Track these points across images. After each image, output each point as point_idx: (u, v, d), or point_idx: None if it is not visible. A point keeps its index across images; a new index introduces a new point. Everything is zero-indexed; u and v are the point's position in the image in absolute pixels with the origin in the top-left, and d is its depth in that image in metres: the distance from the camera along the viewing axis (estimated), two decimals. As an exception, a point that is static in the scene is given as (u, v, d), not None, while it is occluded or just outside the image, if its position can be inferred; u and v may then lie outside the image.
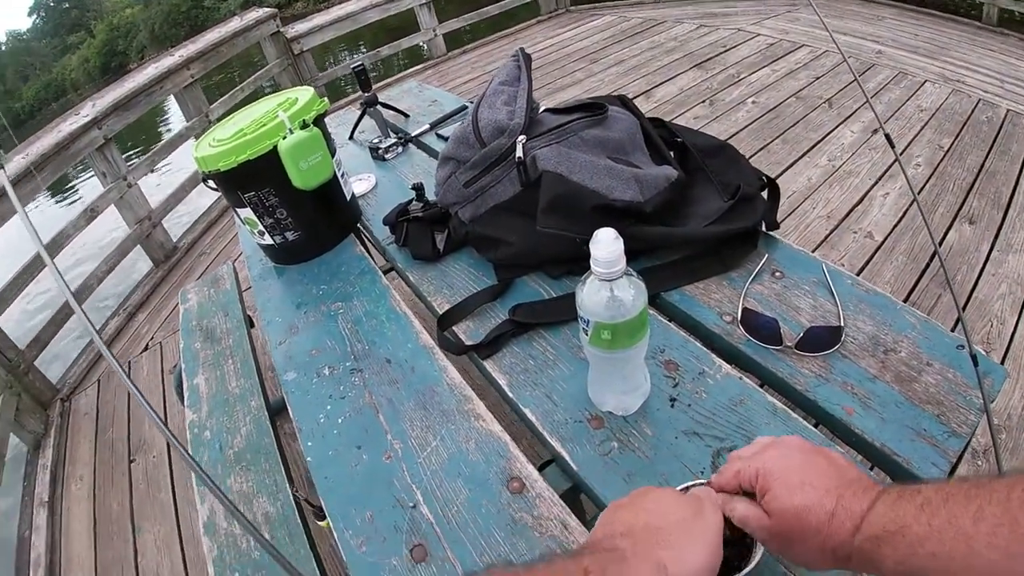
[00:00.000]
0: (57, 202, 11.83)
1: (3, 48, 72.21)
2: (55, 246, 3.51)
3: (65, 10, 65.60)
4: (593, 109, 1.27)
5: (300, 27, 5.67)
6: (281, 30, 5.47)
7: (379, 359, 1.18)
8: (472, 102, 2.13)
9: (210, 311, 2.09)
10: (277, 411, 2.26)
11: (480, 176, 1.24)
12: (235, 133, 1.42)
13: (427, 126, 2.08)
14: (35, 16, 67.80)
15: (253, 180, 1.41)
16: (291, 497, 1.37)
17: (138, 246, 4.06)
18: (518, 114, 1.21)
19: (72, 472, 2.86)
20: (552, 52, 5.52)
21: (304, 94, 1.52)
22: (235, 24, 5.31)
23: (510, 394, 1.02)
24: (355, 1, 6.05)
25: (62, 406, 3.27)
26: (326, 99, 1.53)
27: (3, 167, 0.98)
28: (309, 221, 1.51)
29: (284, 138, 1.35)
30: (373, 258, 1.53)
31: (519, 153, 1.17)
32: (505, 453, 0.94)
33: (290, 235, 1.50)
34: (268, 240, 1.51)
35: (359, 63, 2.12)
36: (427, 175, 1.74)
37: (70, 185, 12.10)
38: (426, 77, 5.81)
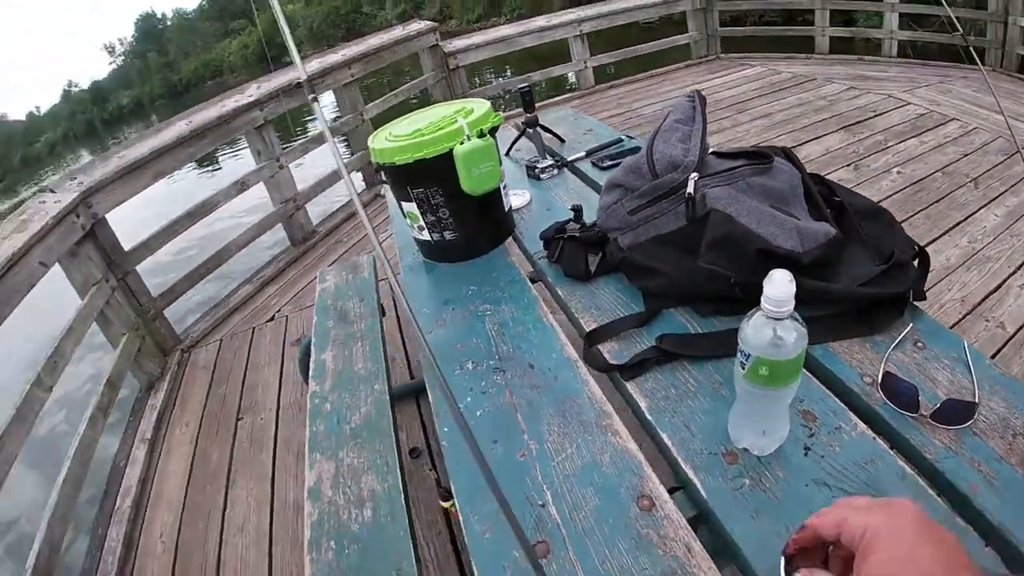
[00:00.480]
0: (198, 172, 12.68)
1: (169, 24, 78.18)
2: (207, 208, 3.80)
3: None
4: (759, 157, 1.30)
5: (458, 43, 5.92)
6: (439, 44, 5.72)
7: (522, 363, 1.23)
8: (625, 136, 2.20)
9: (346, 294, 2.22)
10: (398, 397, 2.38)
11: (647, 206, 1.28)
12: (413, 132, 1.52)
13: (583, 153, 2.14)
14: (202, 0, 72.73)
15: (424, 178, 1.50)
16: (398, 478, 1.44)
17: (279, 224, 4.35)
18: (692, 152, 1.26)
19: (179, 417, 3.06)
20: None
21: (480, 106, 1.61)
22: (398, 32, 5.60)
23: (649, 416, 1.04)
24: (512, 25, 6.29)
25: (181, 356, 3.51)
26: (501, 114, 1.62)
27: (316, 98, 1.07)
28: (468, 224, 1.59)
29: (461, 143, 1.44)
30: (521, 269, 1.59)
31: (690, 189, 1.21)
32: (638, 471, 0.96)
33: (448, 235, 1.59)
34: (426, 236, 1.60)
35: (526, 85, 2.22)
36: (580, 199, 1.80)
37: (213, 159, 12.96)
38: (573, 107, 5.94)
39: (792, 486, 0.89)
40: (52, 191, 3.21)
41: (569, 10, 6.53)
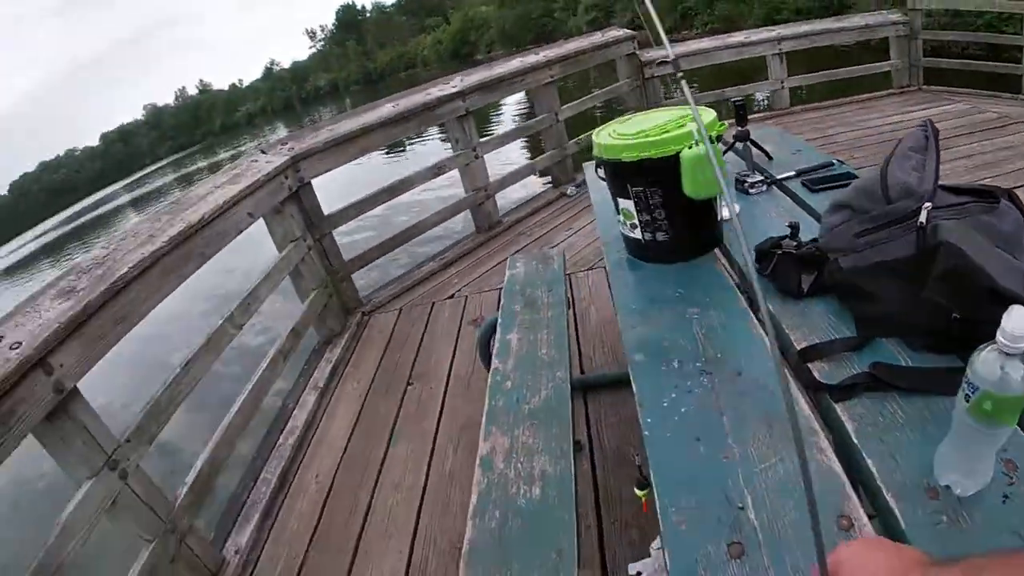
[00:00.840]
0: (387, 154, 13.44)
1: (368, 15, 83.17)
2: (404, 185, 4.07)
3: None
4: (986, 196, 1.24)
5: (655, 53, 5.89)
6: (637, 52, 5.74)
7: (730, 369, 1.23)
8: (834, 160, 2.14)
9: (535, 283, 2.29)
10: (579, 388, 2.43)
11: (875, 230, 1.25)
12: (638, 132, 1.55)
13: (793, 172, 2.10)
14: None
15: (645, 177, 1.54)
16: (570, 464, 1.48)
17: (467, 210, 4.58)
18: (927, 181, 1.22)
19: (352, 373, 3.27)
20: (900, 129, 5.15)
21: (706, 115, 1.61)
22: (597, 38, 5.68)
23: (855, 440, 1.02)
24: (711, 39, 6.20)
25: (361, 318, 3.76)
26: (725, 124, 1.62)
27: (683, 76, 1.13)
28: (682, 228, 1.60)
29: (689, 147, 1.46)
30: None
31: (923, 218, 1.17)
32: (840, 491, 0.94)
33: (660, 236, 1.61)
34: (637, 234, 1.64)
35: (741, 99, 2.20)
36: (789, 217, 1.76)
37: (401, 144, 13.68)
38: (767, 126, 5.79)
39: (989, 533, 0.85)
40: (264, 152, 3.53)
41: (769, 27, 6.35)
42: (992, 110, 5.30)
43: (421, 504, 2.30)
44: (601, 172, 1.64)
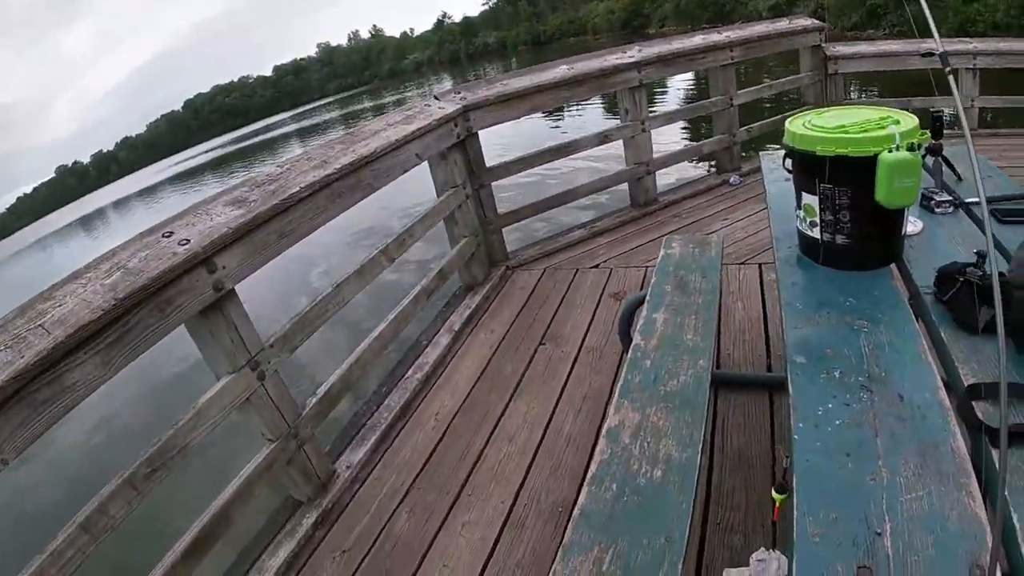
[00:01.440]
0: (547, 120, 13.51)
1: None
2: (570, 148, 4.15)
3: None
4: None
5: (843, 49, 5.56)
6: (823, 45, 5.43)
7: (892, 391, 1.18)
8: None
9: (689, 266, 2.25)
10: (720, 381, 2.40)
11: None
12: (837, 127, 1.48)
13: (982, 199, 1.93)
14: None
15: (836, 175, 1.47)
16: (697, 454, 1.45)
17: (626, 183, 4.54)
18: None
19: (487, 323, 3.36)
20: None
21: (908, 119, 1.52)
22: (783, 25, 5.42)
23: (1007, 492, 0.95)
24: (902, 42, 5.74)
25: (504, 272, 3.85)
26: (928, 134, 1.51)
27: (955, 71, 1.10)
28: (865, 235, 1.53)
29: (889, 151, 1.38)
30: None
31: None
32: (981, 540, 0.90)
33: (840, 238, 1.54)
34: (815, 233, 1.57)
35: (940, 110, 2.05)
36: (975, 245, 1.64)
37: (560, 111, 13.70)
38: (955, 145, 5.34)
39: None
40: (437, 98, 3.63)
41: (966, 39, 5.80)
42: None
43: (532, 461, 2.34)
44: (788, 163, 1.57)
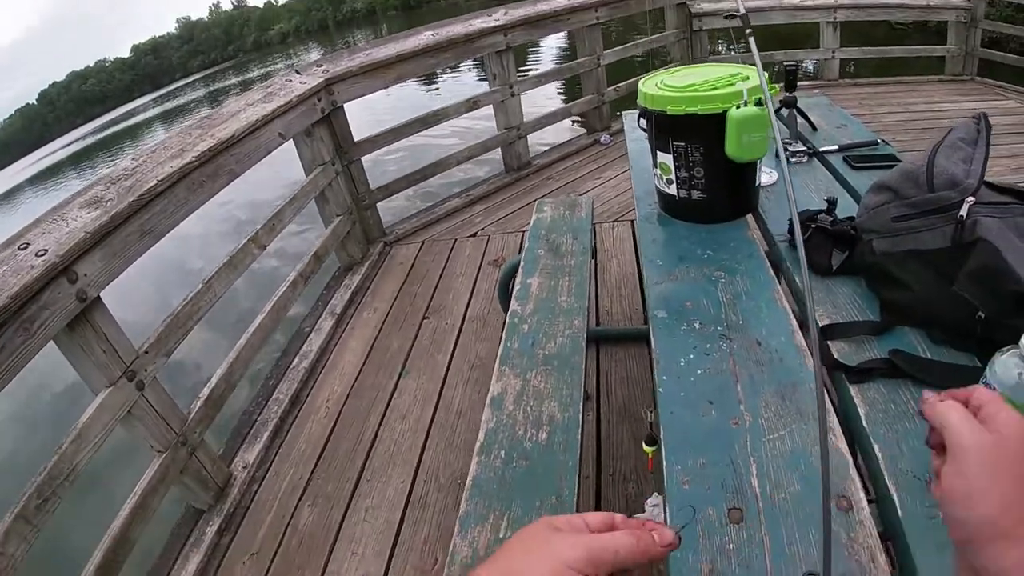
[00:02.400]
0: (423, 87, 13.27)
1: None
2: (438, 117, 4.05)
3: None
4: None
5: (705, 6, 5.74)
6: (687, 3, 5.58)
7: (750, 338, 1.23)
8: (879, 140, 2.07)
9: (560, 228, 2.27)
10: (592, 338, 2.43)
11: (914, 217, 1.22)
12: (686, 85, 1.51)
13: (836, 147, 2.04)
14: None
15: (688, 133, 1.50)
16: (578, 412, 1.48)
17: (499, 149, 4.52)
18: (973, 175, 1.19)
19: (369, 302, 3.29)
20: (947, 118, 5.03)
21: (756, 75, 1.56)
22: None
23: (864, 424, 1.02)
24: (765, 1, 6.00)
25: (383, 248, 3.77)
26: (778, 87, 1.57)
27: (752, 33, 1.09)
28: (719, 189, 1.57)
29: (737, 107, 1.42)
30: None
31: (963, 212, 1.14)
32: (844, 473, 0.94)
33: (695, 194, 1.58)
34: (672, 190, 1.61)
35: (793, 63, 2.13)
36: (827, 192, 1.73)
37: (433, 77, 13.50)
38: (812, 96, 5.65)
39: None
40: (298, 72, 3.48)
41: None
42: None
43: (427, 437, 2.34)
44: (643, 123, 1.60)
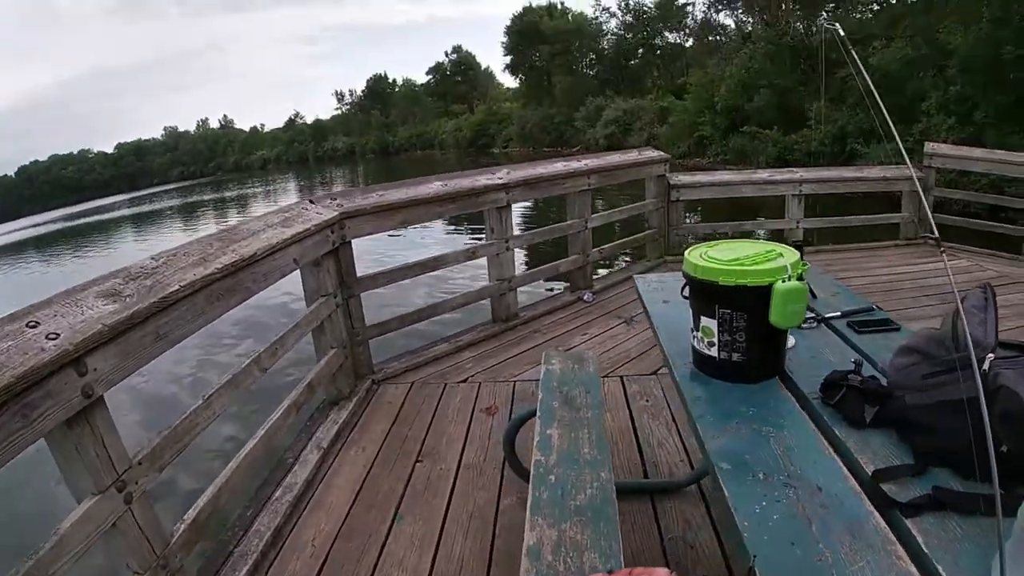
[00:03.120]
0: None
1: (397, 90, 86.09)
2: (437, 263, 4.17)
3: (457, 83, 77.57)
4: None
5: (684, 178, 6.23)
6: (667, 175, 6.02)
7: (810, 484, 1.31)
8: (874, 306, 2.25)
9: (572, 381, 2.34)
10: (622, 490, 2.42)
11: (943, 373, 1.41)
12: (733, 259, 1.66)
13: (839, 313, 2.20)
14: (431, 76, 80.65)
15: (735, 301, 1.63)
16: (620, 564, 1.48)
17: (488, 299, 4.67)
18: (990, 335, 1.45)
19: (357, 439, 3.23)
20: (906, 280, 5.41)
21: (789, 252, 1.72)
22: (634, 155, 6.05)
23: (926, 550, 1.12)
24: (737, 173, 6.56)
25: (371, 385, 3.75)
26: (808, 264, 1.71)
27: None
28: (758, 352, 1.69)
29: (783, 280, 1.57)
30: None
31: (986, 366, 1.34)
32: None
33: (736, 356, 1.68)
34: (712, 352, 1.71)
35: (800, 241, 2.31)
36: (841, 355, 1.88)
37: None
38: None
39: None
40: (313, 203, 3.60)
41: (793, 168, 6.71)
42: (992, 268, 5.59)
43: (427, 586, 2.24)
44: (686, 291, 1.75)
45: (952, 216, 6.69)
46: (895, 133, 1.72)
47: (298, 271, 3.26)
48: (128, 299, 1.98)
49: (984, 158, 6.86)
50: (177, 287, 2.15)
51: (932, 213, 6.44)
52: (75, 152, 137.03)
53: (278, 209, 3.38)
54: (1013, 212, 7.21)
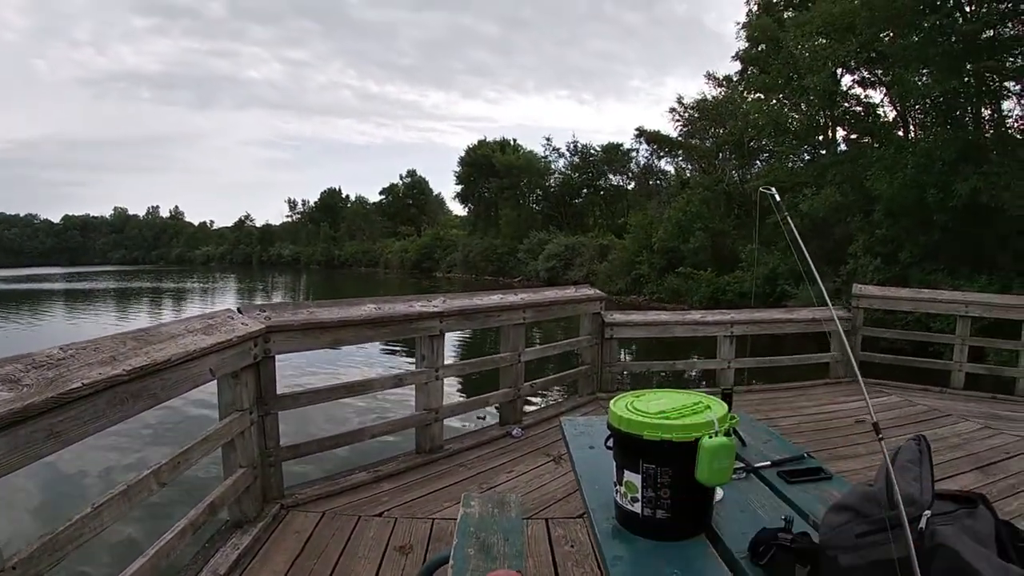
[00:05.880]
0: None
1: (349, 205, 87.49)
2: (363, 387, 4.03)
3: (408, 205, 79.77)
4: (966, 502, 1.45)
5: (618, 317, 6.31)
6: (602, 313, 6.09)
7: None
8: (805, 454, 2.26)
9: (491, 527, 2.22)
10: None
11: (877, 532, 1.39)
12: (658, 412, 1.63)
13: (769, 463, 2.17)
14: (383, 196, 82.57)
15: (659, 456, 1.58)
16: None
17: (414, 428, 4.50)
18: (925, 491, 1.43)
19: (257, 570, 2.97)
20: (835, 418, 5.49)
21: (717, 405, 1.70)
22: (570, 292, 6.10)
23: None
24: (670, 313, 6.69)
25: (279, 511, 3.48)
26: (738, 417, 1.69)
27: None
28: (683, 509, 1.62)
29: (710, 436, 1.53)
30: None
31: (922, 524, 1.33)
32: None
33: (660, 513, 1.61)
34: (636, 508, 1.63)
35: (729, 388, 2.31)
36: (771, 509, 1.84)
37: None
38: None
39: None
40: (240, 312, 3.48)
41: (724, 311, 6.90)
42: (921, 403, 5.79)
43: None
44: (611, 442, 1.69)
45: (881, 354, 7.00)
46: (819, 281, 1.86)
47: (214, 382, 3.10)
48: (25, 389, 1.86)
49: (910, 297, 7.30)
50: (79, 384, 2.04)
51: (861, 351, 6.77)
52: (21, 215, 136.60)
53: (203, 315, 3.25)
54: (940, 347, 7.50)
